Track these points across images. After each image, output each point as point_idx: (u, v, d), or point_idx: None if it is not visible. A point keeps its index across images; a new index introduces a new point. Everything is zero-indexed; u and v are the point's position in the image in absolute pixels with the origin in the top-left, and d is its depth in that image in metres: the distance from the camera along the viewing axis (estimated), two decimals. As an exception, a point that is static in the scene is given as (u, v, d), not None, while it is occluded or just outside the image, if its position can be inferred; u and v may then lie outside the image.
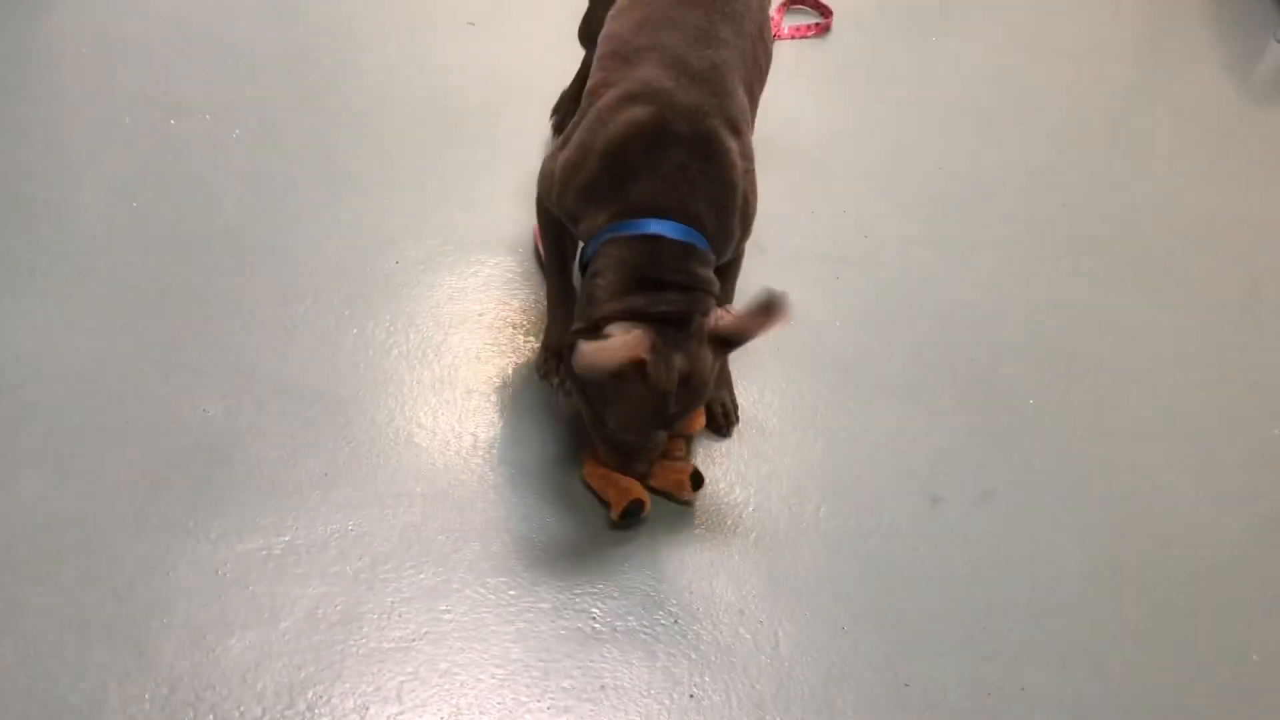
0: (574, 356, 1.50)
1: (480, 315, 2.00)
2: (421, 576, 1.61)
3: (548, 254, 1.86)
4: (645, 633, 1.59)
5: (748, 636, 1.60)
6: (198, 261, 2.02)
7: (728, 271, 1.82)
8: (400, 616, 1.56)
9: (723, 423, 1.87)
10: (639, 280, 1.60)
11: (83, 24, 2.51)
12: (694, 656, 1.57)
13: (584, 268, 1.70)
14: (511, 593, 1.61)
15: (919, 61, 2.89)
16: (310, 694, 1.46)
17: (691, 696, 1.53)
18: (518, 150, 2.32)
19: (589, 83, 1.77)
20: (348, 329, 1.93)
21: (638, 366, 1.52)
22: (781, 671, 1.57)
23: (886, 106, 2.69)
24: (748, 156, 1.70)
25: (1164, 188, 2.61)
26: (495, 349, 1.95)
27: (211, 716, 1.43)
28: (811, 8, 2.91)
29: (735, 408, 1.89)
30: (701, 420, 1.84)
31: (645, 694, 1.52)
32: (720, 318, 1.62)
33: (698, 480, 1.74)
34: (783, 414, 1.91)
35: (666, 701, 1.52)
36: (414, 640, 1.54)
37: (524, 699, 1.50)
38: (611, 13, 1.83)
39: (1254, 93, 3.03)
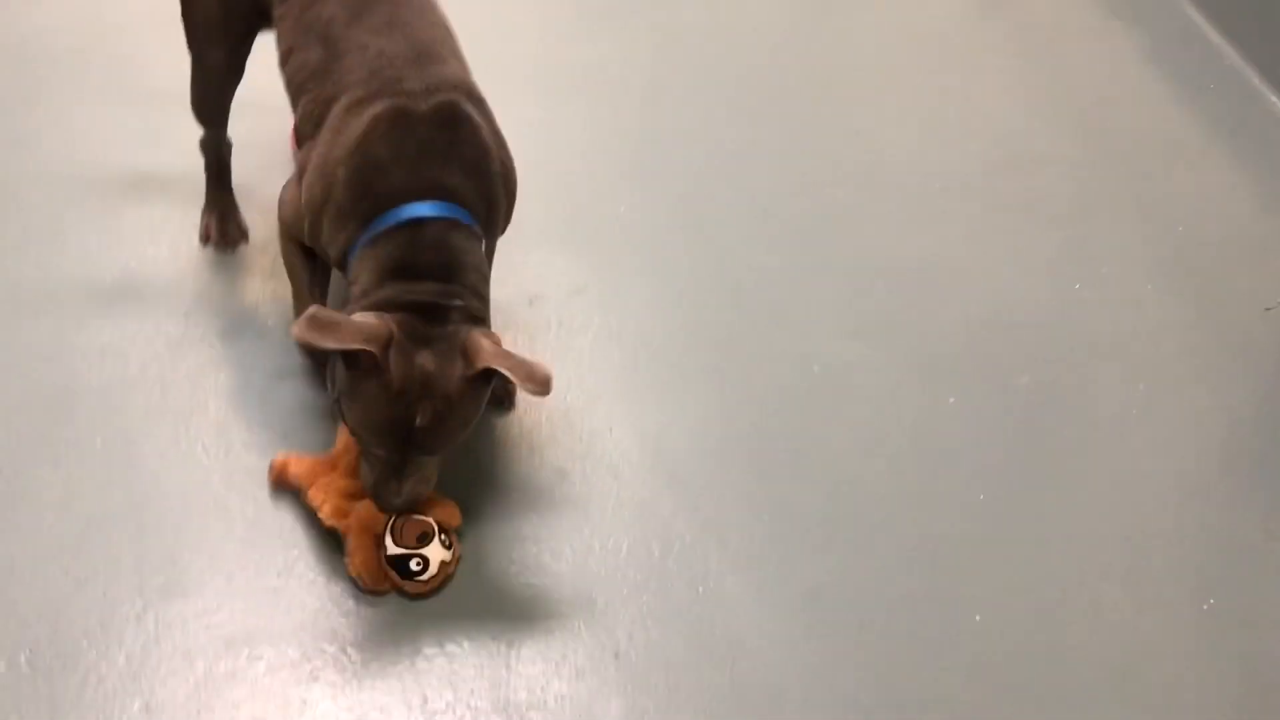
0: (294, 326, 1.40)
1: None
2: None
3: (299, 286, 1.73)
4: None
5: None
6: None
7: None
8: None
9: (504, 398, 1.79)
10: (395, 270, 1.47)
11: None
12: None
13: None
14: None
15: None
16: None
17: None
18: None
19: (296, 120, 1.67)
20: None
21: (368, 356, 1.39)
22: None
23: None
24: (491, 119, 1.61)
25: (759, 22, 2.88)
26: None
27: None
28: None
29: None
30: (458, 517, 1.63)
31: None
32: (488, 341, 1.46)
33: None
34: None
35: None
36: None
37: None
38: (281, 49, 1.72)
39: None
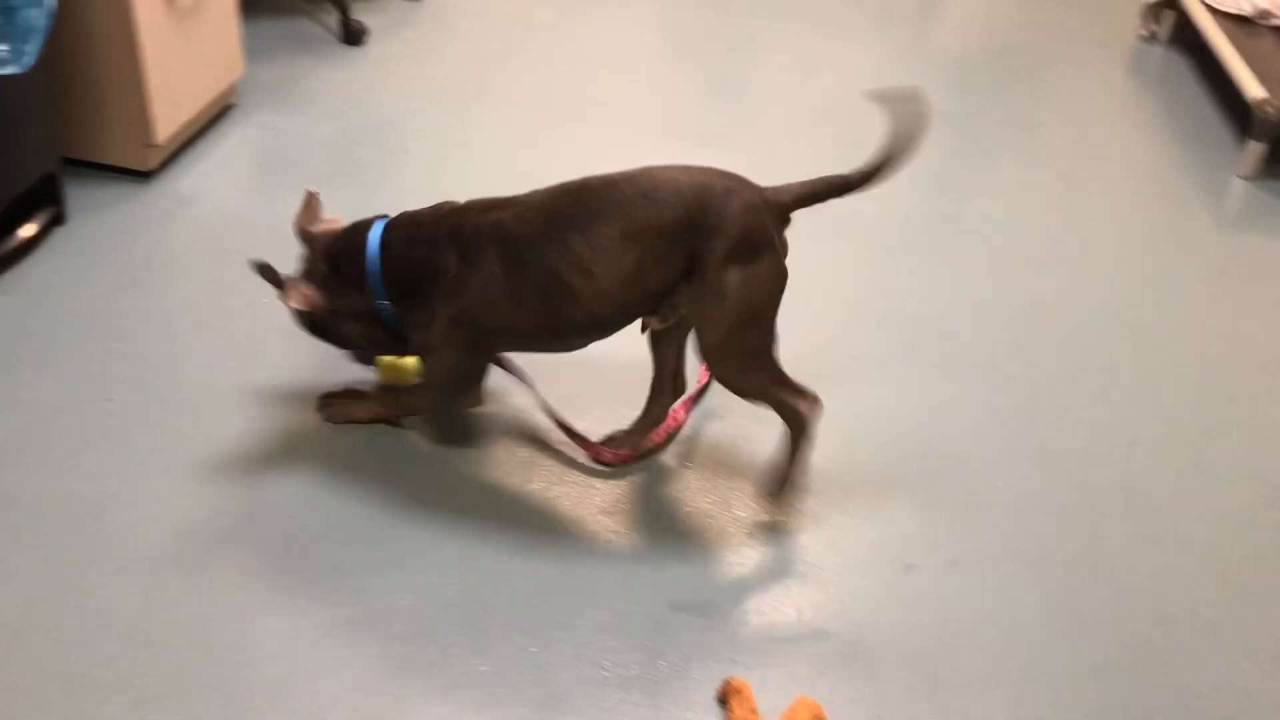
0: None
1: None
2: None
3: None
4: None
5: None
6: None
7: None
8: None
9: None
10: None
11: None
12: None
13: None
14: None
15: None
16: None
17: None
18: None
19: None
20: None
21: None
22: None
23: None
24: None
25: (1131, 307, 2.90)
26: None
27: None
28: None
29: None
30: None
31: None
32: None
33: None
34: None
35: None
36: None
37: None
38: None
39: (1224, 223, 3.33)
